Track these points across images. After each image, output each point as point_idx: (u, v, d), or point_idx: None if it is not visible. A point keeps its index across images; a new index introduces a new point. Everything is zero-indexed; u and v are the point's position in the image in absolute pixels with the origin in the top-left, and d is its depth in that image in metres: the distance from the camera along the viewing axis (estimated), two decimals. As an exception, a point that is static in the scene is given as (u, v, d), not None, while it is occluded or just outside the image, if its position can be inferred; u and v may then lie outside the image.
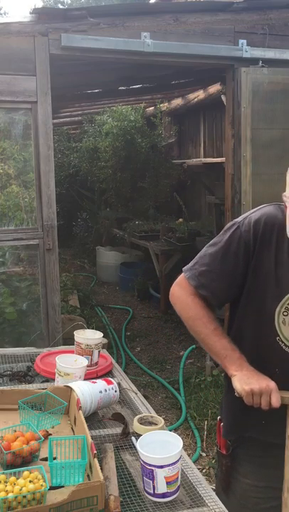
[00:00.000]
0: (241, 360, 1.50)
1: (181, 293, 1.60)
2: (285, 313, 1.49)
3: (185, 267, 1.63)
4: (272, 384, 1.45)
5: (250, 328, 1.57)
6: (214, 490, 1.53)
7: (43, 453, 1.40)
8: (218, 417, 1.73)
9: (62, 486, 1.27)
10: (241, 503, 1.64)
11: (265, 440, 1.60)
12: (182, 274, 1.62)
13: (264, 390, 1.44)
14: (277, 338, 1.51)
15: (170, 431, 1.50)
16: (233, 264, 1.52)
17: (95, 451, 1.26)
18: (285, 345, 1.52)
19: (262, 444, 1.61)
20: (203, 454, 3.35)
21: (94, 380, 1.73)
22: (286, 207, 1.45)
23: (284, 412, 1.51)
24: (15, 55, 3.25)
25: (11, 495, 1.15)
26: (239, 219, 1.55)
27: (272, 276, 1.49)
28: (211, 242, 1.59)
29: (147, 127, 7.55)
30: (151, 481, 1.29)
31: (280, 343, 1.52)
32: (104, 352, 2.17)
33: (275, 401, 1.44)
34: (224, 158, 4.68)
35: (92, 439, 1.35)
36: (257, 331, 1.55)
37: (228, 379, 1.57)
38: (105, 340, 2.26)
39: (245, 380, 1.46)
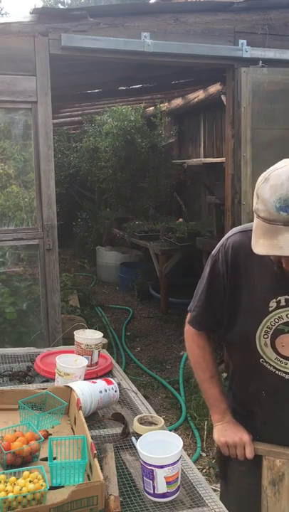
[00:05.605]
0: (225, 412, 1.63)
1: (188, 334, 1.71)
2: (266, 336, 1.52)
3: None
4: (245, 437, 1.56)
5: (236, 351, 1.63)
6: (214, 490, 1.54)
7: (43, 453, 1.40)
8: None
9: (63, 486, 1.27)
10: (238, 490, 1.68)
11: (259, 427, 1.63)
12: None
13: (237, 442, 1.56)
14: (261, 360, 1.54)
15: (170, 431, 1.51)
16: (217, 296, 1.59)
17: (95, 451, 1.26)
18: (270, 364, 1.54)
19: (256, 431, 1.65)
20: (203, 454, 3.35)
21: (94, 380, 1.73)
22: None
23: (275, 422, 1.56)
24: (15, 55, 3.25)
25: (11, 495, 1.15)
26: (215, 252, 1.61)
27: (247, 301, 1.53)
28: (202, 276, 1.67)
29: (147, 127, 7.54)
30: (151, 481, 1.29)
31: (265, 363, 1.54)
32: (104, 352, 2.17)
33: (249, 453, 1.55)
34: (224, 158, 4.68)
35: (92, 439, 1.35)
36: (242, 354, 1.60)
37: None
38: (105, 340, 2.26)
39: (222, 432, 1.60)
